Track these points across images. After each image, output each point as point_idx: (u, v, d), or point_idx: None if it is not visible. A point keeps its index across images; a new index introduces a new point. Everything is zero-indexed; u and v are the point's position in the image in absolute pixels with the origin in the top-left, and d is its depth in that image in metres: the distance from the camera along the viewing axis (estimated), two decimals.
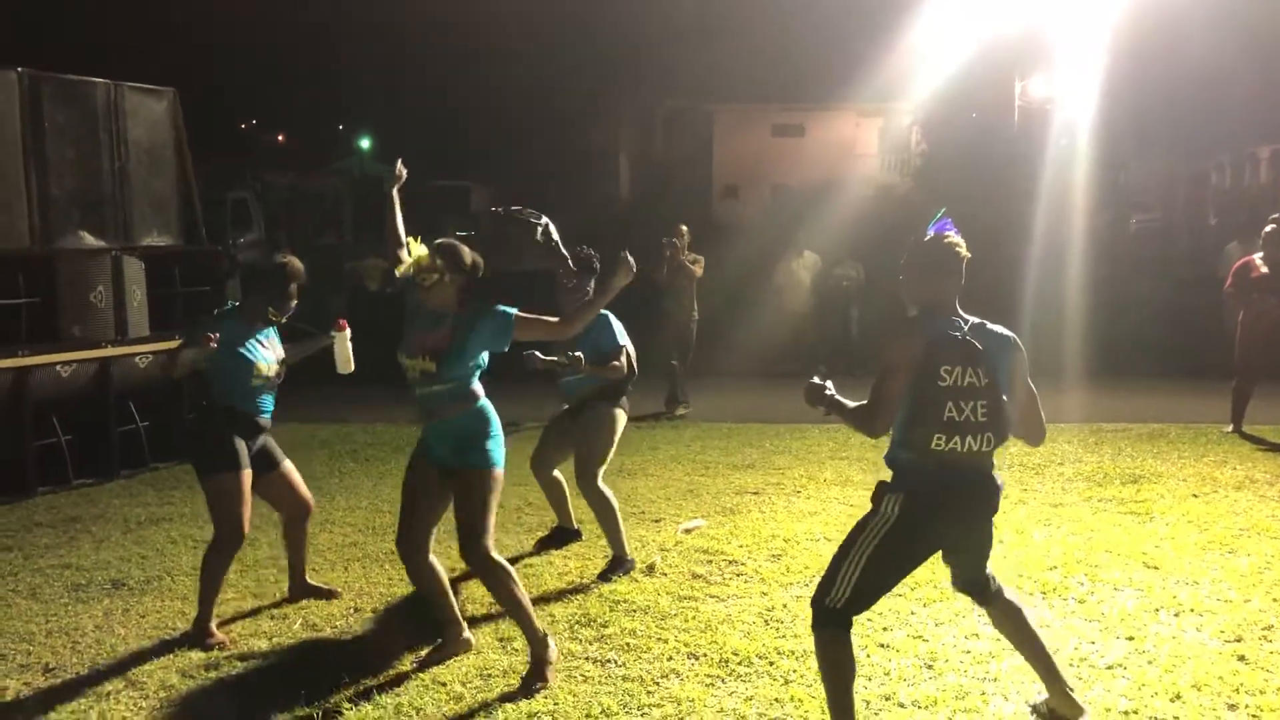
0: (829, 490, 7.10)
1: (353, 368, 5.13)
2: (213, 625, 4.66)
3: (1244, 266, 8.74)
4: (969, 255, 3.48)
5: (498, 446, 4.24)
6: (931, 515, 3.40)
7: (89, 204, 7.91)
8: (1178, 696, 3.87)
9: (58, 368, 7.44)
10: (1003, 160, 17.66)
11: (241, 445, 4.73)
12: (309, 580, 5.19)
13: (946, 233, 3.49)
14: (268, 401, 4.89)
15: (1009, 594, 3.70)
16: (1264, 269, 8.56)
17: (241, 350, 4.69)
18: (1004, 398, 3.36)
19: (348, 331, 5.12)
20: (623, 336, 5.60)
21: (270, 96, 34.96)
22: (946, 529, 3.47)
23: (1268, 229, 8.65)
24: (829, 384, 3.56)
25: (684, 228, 10.57)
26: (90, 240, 7.83)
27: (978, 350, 3.33)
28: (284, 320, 4.88)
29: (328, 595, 5.12)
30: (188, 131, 8.83)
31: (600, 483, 5.46)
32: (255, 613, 4.99)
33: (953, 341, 3.33)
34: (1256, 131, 24.51)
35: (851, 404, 3.50)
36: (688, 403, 10.40)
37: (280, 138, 41.25)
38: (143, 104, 8.39)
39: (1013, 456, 7.76)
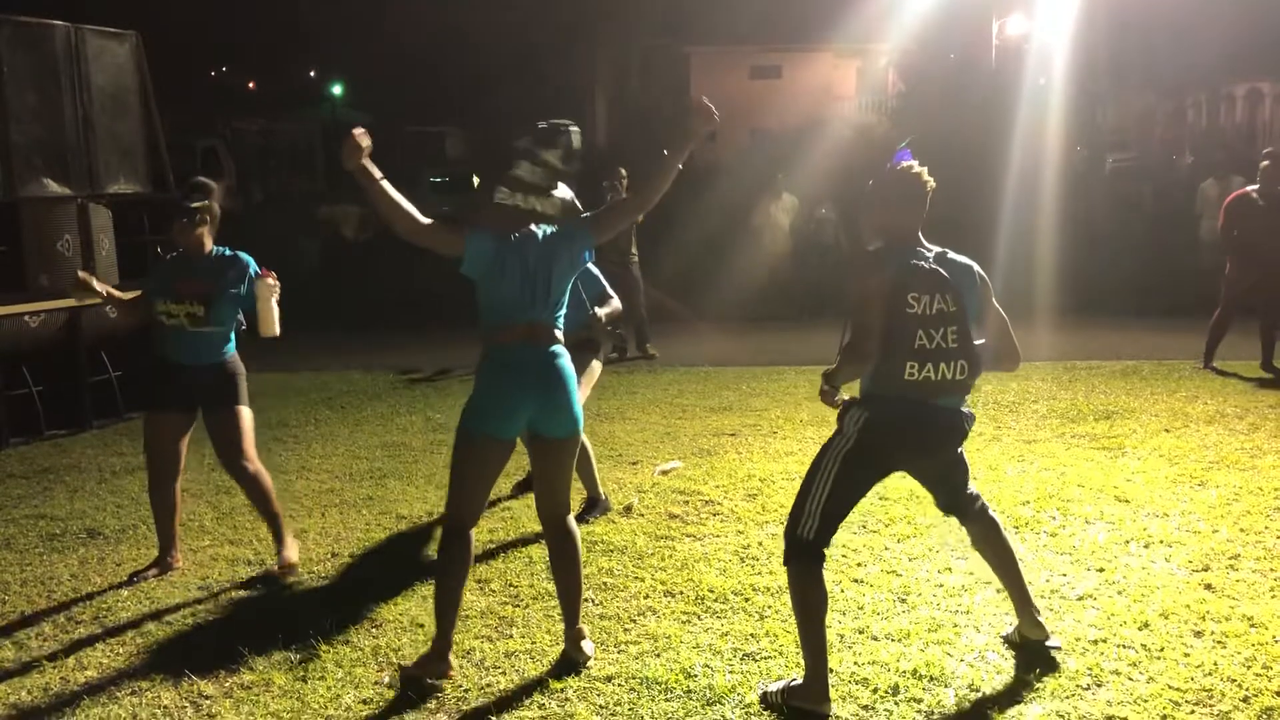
0: (805, 430, 7.13)
1: (277, 331, 4.54)
2: (172, 554, 4.82)
3: (1241, 200, 8.65)
4: (934, 184, 3.45)
5: None
6: (892, 438, 3.41)
7: (53, 151, 7.73)
8: (1146, 625, 3.94)
9: (26, 318, 7.35)
10: (980, 100, 17.60)
11: (163, 388, 4.70)
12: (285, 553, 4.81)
13: (909, 162, 3.46)
14: (184, 343, 4.60)
15: (991, 512, 3.74)
16: (1261, 204, 8.48)
17: (154, 295, 4.63)
18: (970, 324, 3.38)
19: (269, 281, 4.53)
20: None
21: (240, 43, 34.34)
22: (908, 454, 3.49)
23: (1264, 164, 8.57)
24: (841, 391, 3.48)
25: (623, 170, 10.43)
26: (55, 188, 7.68)
27: (944, 277, 3.33)
28: (173, 254, 4.69)
29: (285, 570, 4.74)
30: (154, 78, 8.65)
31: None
32: (232, 558, 4.98)
33: (918, 270, 3.32)
34: (1232, 69, 24.50)
35: (839, 361, 3.44)
36: (625, 348, 10.28)
37: (251, 84, 40.61)
38: (105, 48, 8.19)
39: (987, 394, 7.81)
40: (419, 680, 3.64)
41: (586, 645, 3.83)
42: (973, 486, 3.73)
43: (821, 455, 3.48)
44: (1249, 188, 8.68)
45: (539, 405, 3.68)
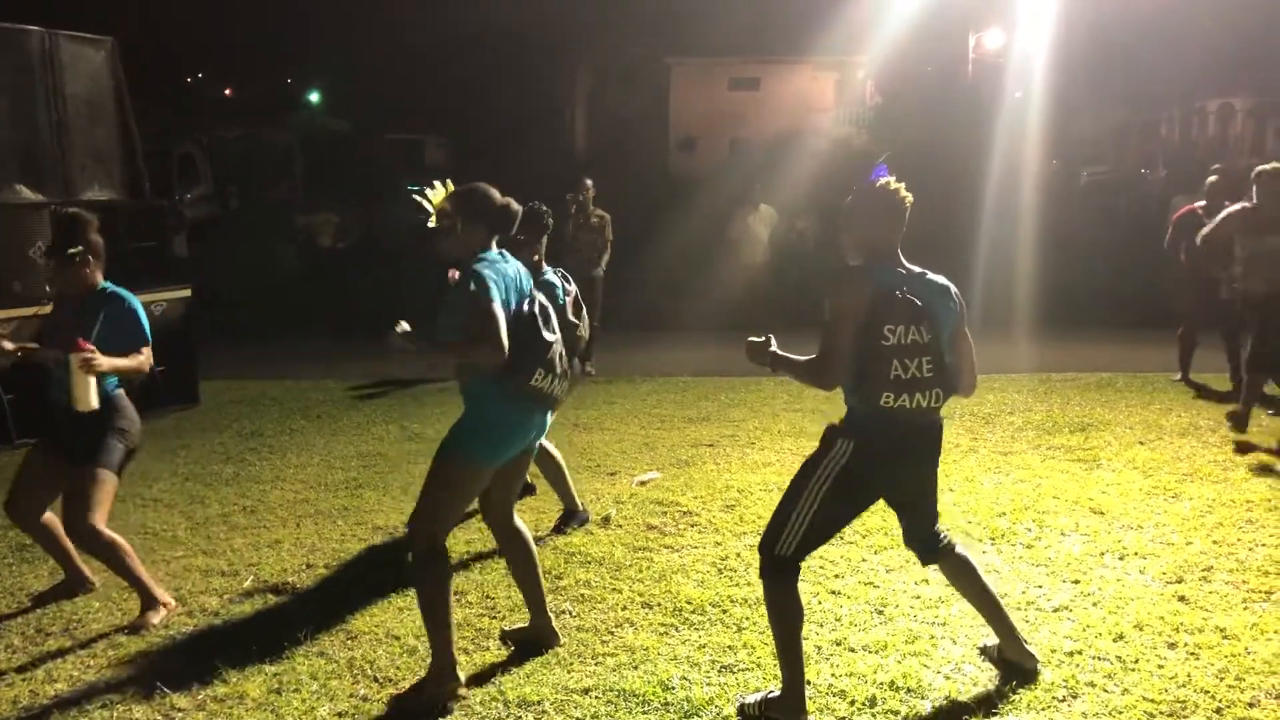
0: (783, 441, 7.14)
1: (93, 404, 4.13)
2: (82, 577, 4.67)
3: (1187, 216, 8.73)
4: (912, 201, 3.46)
5: None
6: (881, 458, 3.41)
7: (26, 156, 7.67)
8: (1120, 637, 3.96)
9: None
10: (956, 113, 17.72)
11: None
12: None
13: (887, 178, 3.47)
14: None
15: (960, 549, 3.71)
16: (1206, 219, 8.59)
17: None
18: (945, 351, 3.39)
19: (84, 355, 4.07)
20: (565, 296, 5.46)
21: (217, 49, 34.16)
22: (895, 471, 3.49)
23: (1211, 179, 8.70)
24: (772, 339, 3.55)
25: (589, 182, 10.38)
26: (28, 194, 7.61)
27: (919, 308, 3.33)
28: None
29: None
30: (131, 84, 8.59)
31: (543, 439, 5.42)
32: (206, 569, 4.94)
33: (895, 299, 3.31)
34: (1205, 85, 24.80)
35: (801, 358, 3.48)
36: (591, 364, 10.05)
37: (228, 91, 40.41)
38: (80, 53, 8.13)
39: (964, 406, 7.84)
40: (425, 706, 3.54)
41: (555, 625, 4.06)
42: (941, 526, 3.71)
43: (808, 473, 3.45)
44: (1196, 204, 8.75)
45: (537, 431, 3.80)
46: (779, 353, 3.52)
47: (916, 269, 3.45)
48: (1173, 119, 28.12)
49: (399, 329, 3.63)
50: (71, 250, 4.28)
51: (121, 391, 4.42)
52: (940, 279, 3.48)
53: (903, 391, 3.31)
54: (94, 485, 4.25)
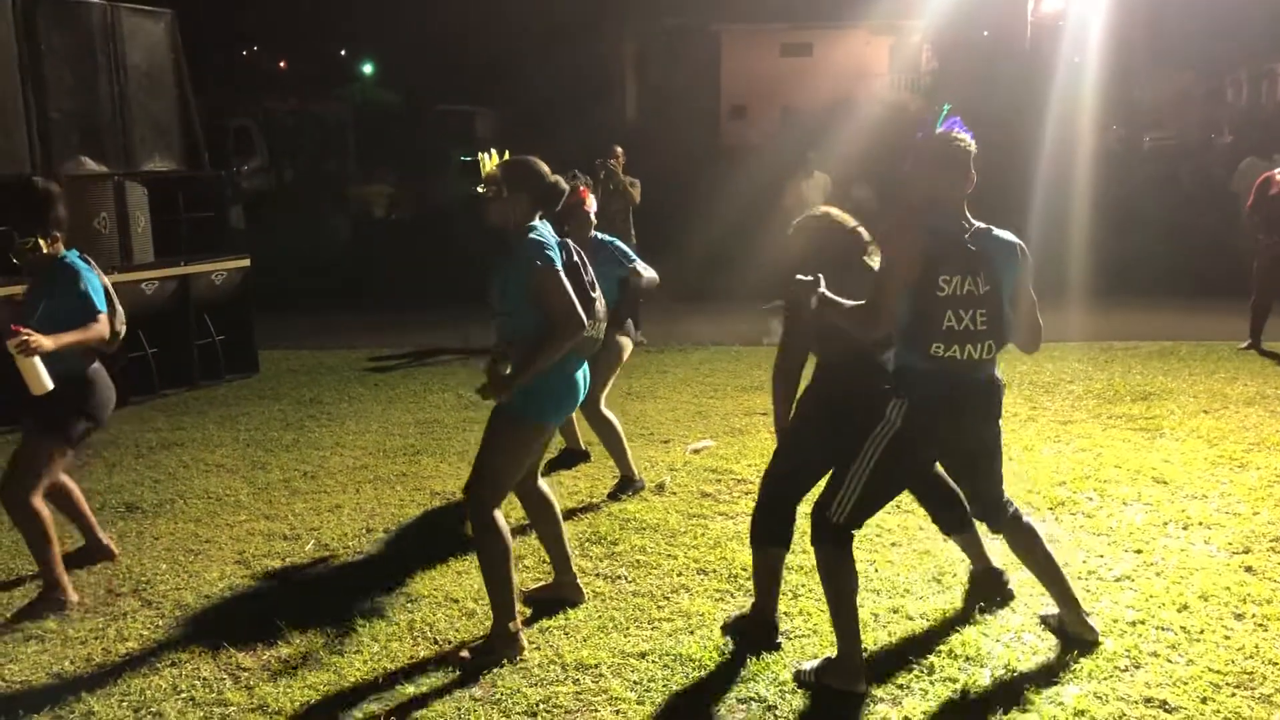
0: None
1: (46, 386, 3.97)
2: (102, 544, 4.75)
3: (1265, 182, 8.63)
4: (975, 151, 3.37)
5: None
6: (934, 416, 3.35)
7: (88, 128, 7.81)
8: (1185, 607, 3.89)
9: None
10: (1015, 78, 17.37)
11: None
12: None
13: (954, 130, 3.40)
14: None
15: (1026, 519, 3.67)
16: None
17: None
18: (1004, 305, 3.32)
19: (22, 338, 3.86)
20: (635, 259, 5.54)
21: (271, 23, 34.45)
22: (950, 428, 3.42)
23: None
24: (820, 279, 3.41)
25: (619, 149, 10.27)
26: (91, 165, 7.75)
27: (978, 257, 3.27)
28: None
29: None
30: (188, 57, 8.70)
31: (603, 406, 5.46)
32: (268, 533, 5.03)
33: (951, 248, 3.26)
34: (1273, 46, 24.04)
35: (849, 303, 3.39)
36: (641, 332, 10.02)
37: (282, 64, 40.78)
38: (140, 26, 8.25)
39: (1023, 374, 7.74)
40: (487, 664, 3.61)
41: (579, 585, 4.14)
42: (1007, 493, 3.66)
43: (862, 439, 3.41)
44: (1277, 170, 8.66)
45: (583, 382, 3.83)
46: (827, 293, 3.38)
47: (980, 224, 3.38)
48: (1239, 82, 27.34)
49: (497, 367, 3.57)
50: (24, 242, 4.13)
51: (98, 365, 4.28)
52: (1007, 234, 3.40)
53: (953, 342, 3.25)
54: (31, 453, 4.17)
